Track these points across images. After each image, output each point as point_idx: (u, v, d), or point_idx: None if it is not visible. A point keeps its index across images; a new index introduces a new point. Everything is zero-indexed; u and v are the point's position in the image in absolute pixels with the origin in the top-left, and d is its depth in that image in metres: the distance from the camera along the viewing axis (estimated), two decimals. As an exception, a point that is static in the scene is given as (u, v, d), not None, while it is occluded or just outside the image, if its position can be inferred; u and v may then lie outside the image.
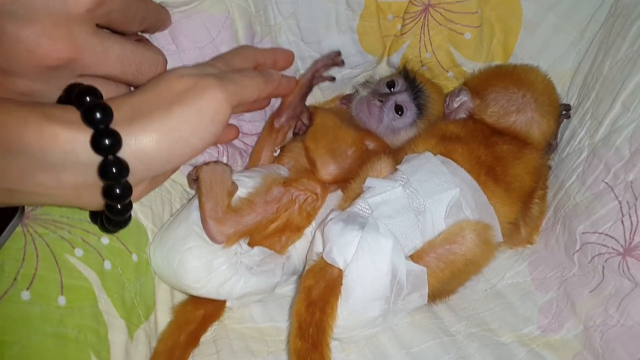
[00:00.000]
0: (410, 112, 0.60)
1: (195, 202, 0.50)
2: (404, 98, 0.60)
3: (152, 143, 0.39)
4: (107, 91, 0.45)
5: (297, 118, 0.60)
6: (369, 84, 0.65)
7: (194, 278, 0.48)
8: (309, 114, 0.60)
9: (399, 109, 0.60)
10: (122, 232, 0.48)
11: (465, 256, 0.45)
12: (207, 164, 0.51)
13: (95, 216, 0.45)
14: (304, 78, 0.61)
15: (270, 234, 0.52)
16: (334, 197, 0.55)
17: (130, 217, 0.45)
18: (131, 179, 0.40)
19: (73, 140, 0.37)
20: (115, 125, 0.38)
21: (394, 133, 0.60)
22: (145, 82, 0.47)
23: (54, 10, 0.38)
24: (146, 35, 0.53)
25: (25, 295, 0.38)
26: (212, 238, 0.48)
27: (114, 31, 0.45)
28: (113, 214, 0.41)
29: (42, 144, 0.36)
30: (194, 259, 0.47)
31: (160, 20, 0.52)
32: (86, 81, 0.43)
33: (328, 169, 0.53)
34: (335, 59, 0.64)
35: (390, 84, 0.62)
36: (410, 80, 0.62)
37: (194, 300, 0.51)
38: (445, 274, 0.45)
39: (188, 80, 0.43)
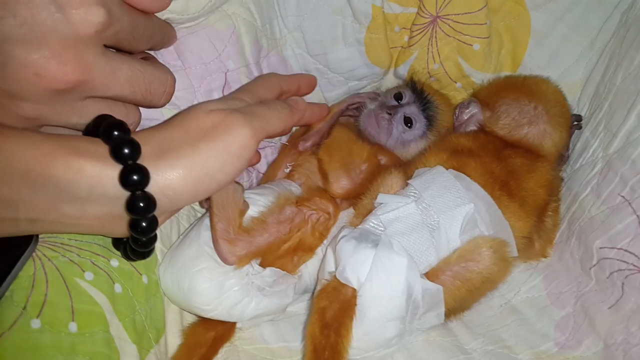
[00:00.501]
0: (419, 124, 0.60)
1: (206, 221, 0.49)
2: (412, 110, 0.60)
3: (178, 179, 0.40)
4: (115, 112, 0.44)
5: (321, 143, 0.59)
6: (376, 97, 0.64)
7: (205, 300, 0.47)
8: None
9: (408, 121, 0.59)
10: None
11: (482, 274, 0.44)
12: None
13: (117, 243, 0.45)
14: (338, 108, 0.61)
15: (283, 255, 0.51)
16: (345, 214, 0.54)
17: (154, 248, 0.45)
18: (156, 212, 0.40)
19: (100, 174, 0.37)
20: (142, 160, 0.39)
21: (404, 146, 0.60)
22: (154, 103, 0.47)
23: (63, 32, 0.37)
24: (151, 53, 0.52)
25: (35, 323, 0.37)
26: (224, 259, 0.47)
27: (120, 50, 0.44)
28: (138, 246, 0.42)
29: (69, 176, 0.36)
30: (205, 280, 0.47)
31: (166, 37, 0.52)
32: (94, 103, 0.43)
33: (340, 183, 0.53)
34: (372, 100, 0.63)
35: (398, 96, 0.61)
36: (418, 91, 0.61)
37: (204, 322, 0.50)
38: (461, 292, 0.44)
39: (215, 116, 0.43)
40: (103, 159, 0.38)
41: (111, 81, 0.41)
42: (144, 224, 0.40)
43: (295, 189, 0.55)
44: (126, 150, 0.38)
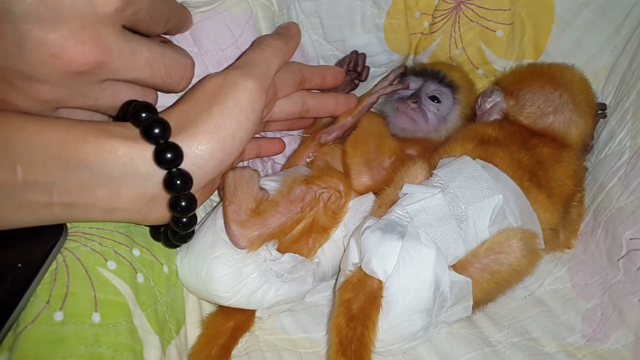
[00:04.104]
0: (445, 95, 0.59)
1: (221, 209, 0.48)
2: (432, 87, 0.59)
3: (204, 146, 0.40)
4: (132, 96, 0.44)
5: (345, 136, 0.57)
6: (388, 99, 0.62)
7: (223, 288, 0.46)
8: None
9: (434, 99, 0.59)
10: (152, 243, 0.46)
11: (512, 266, 0.43)
12: (233, 169, 0.49)
13: (156, 233, 0.46)
14: (367, 100, 0.58)
15: (297, 237, 0.50)
16: (359, 201, 0.53)
17: (194, 230, 0.45)
18: (192, 188, 0.40)
19: (131, 152, 0.38)
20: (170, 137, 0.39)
21: (444, 122, 0.59)
22: (173, 87, 0.46)
23: (81, 11, 0.36)
24: (167, 37, 0.51)
25: (58, 316, 0.36)
26: (235, 242, 0.46)
27: (137, 33, 0.43)
28: (179, 227, 0.42)
29: (101, 157, 0.37)
30: (223, 267, 0.46)
31: (183, 20, 0.50)
32: (111, 86, 0.42)
33: (361, 180, 0.52)
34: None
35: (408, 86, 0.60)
36: (421, 72, 0.60)
37: (223, 312, 0.49)
38: (489, 285, 0.43)
39: (216, 79, 0.44)
40: (134, 139, 0.39)
41: (130, 63, 0.40)
42: (183, 203, 0.40)
43: (307, 173, 0.54)
44: (157, 130, 0.38)
